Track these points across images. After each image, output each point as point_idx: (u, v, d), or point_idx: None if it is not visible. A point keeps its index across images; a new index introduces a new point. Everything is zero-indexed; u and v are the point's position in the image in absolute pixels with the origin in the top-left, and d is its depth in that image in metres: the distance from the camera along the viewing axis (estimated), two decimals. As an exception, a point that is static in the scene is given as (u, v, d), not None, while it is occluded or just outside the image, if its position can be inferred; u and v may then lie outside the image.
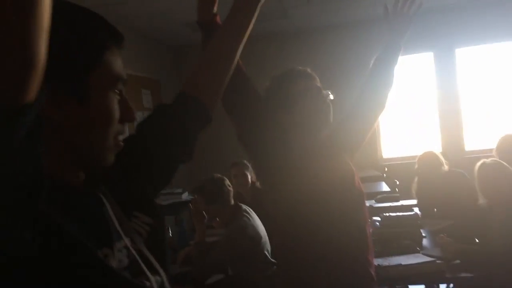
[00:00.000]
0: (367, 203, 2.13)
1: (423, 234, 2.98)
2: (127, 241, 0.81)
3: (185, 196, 4.82)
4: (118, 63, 0.79)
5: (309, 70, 1.67)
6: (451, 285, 3.27)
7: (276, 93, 1.63)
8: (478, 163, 2.74)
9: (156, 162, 0.98)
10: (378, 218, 3.10)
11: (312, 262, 1.55)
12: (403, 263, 2.44)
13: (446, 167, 3.73)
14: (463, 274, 2.38)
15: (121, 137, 0.82)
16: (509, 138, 3.69)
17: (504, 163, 2.65)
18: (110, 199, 0.84)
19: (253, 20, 1.07)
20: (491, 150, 3.93)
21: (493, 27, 5.75)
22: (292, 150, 1.59)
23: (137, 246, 0.83)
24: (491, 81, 6.06)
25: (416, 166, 3.89)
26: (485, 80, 6.06)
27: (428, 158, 3.82)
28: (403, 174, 5.09)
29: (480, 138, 6.06)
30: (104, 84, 0.76)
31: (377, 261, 2.27)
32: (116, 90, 0.79)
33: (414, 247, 2.75)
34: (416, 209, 3.62)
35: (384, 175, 5.62)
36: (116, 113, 0.78)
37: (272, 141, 1.57)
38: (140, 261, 0.81)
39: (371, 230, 1.79)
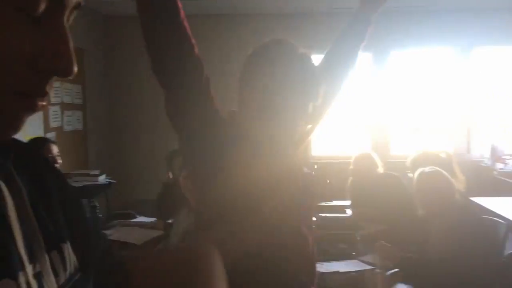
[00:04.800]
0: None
1: (358, 238, 2.83)
2: (29, 270, 0.51)
3: (102, 179, 4.41)
4: None
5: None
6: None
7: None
8: (417, 172, 2.63)
9: None
10: (313, 218, 2.92)
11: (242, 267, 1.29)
12: (340, 270, 2.26)
13: (381, 170, 3.65)
14: (402, 285, 2.24)
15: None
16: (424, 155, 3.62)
17: (443, 172, 2.56)
18: (15, 186, 0.53)
19: None
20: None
21: (426, 32, 5.82)
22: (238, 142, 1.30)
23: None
24: (423, 85, 6.16)
25: (351, 166, 3.77)
26: (417, 84, 6.16)
27: (364, 159, 3.72)
28: (333, 174, 5.00)
29: (406, 143, 6.15)
30: None
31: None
32: (19, 5, 0.46)
33: (349, 252, 2.60)
34: (349, 211, 3.51)
35: (313, 173, 5.51)
36: (13, 42, 0.46)
37: (213, 129, 1.27)
38: None
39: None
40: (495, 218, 2.81)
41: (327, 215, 3.02)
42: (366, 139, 6.14)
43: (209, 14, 5.74)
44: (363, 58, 5.97)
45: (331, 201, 3.73)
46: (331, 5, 5.32)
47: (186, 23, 1.20)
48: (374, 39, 5.23)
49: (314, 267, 1.44)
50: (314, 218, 2.86)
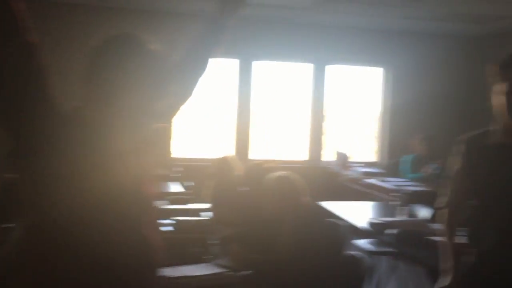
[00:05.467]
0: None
1: (215, 242, 2.85)
2: None
3: None
4: None
5: None
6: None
7: None
8: (267, 176, 2.76)
9: None
10: (169, 221, 2.87)
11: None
12: (193, 274, 2.25)
13: (241, 173, 3.73)
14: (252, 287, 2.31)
15: None
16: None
17: (291, 177, 2.70)
18: None
19: None
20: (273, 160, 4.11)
21: (287, 46, 6.13)
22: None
23: None
24: (283, 96, 6.50)
25: (212, 169, 3.80)
26: (277, 95, 6.49)
27: (224, 162, 3.78)
28: (198, 176, 5.00)
29: (264, 148, 6.45)
30: None
31: (165, 272, 2.03)
32: None
33: (205, 255, 2.60)
34: (209, 214, 3.52)
35: (180, 175, 5.44)
36: None
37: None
38: None
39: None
40: (338, 221, 3.04)
41: (185, 218, 3.00)
42: (229, 143, 6.27)
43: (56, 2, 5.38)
44: (231, 64, 6.13)
45: (190, 204, 3.71)
46: (195, 7, 5.27)
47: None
48: (240, 46, 5.38)
49: (154, 271, 1.39)
50: (167, 221, 2.81)
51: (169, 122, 1.55)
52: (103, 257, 1.22)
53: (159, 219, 1.43)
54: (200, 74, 1.56)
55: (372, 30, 6.26)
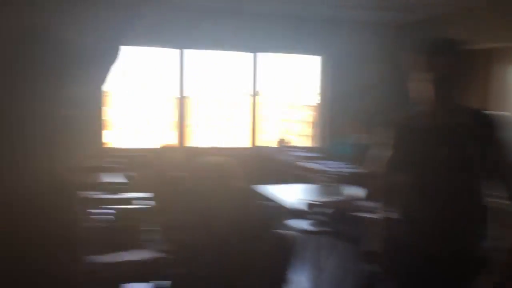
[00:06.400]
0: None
1: (156, 229, 2.91)
2: None
3: None
4: None
5: None
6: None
7: None
8: (199, 161, 2.82)
9: None
10: (109, 211, 2.90)
11: None
12: (126, 259, 2.31)
13: (180, 162, 3.78)
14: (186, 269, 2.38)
15: None
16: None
17: (221, 161, 2.75)
18: None
19: None
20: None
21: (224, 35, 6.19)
22: None
23: None
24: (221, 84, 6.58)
25: (151, 158, 3.83)
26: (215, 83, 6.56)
27: (163, 151, 3.82)
28: (139, 167, 4.98)
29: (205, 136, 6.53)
30: None
31: (100, 258, 2.08)
32: None
33: (142, 242, 2.66)
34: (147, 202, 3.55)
35: (118, 166, 5.39)
36: None
37: None
38: None
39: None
40: (269, 203, 3.16)
41: (124, 206, 3.03)
42: (170, 132, 6.28)
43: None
44: (165, 53, 6.12)
45: (127, 193, 3.73)
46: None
47: None
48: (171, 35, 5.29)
49: (76, 254, 1.44)
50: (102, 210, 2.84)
51: (81, 109, 1.56)
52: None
53: (84, 207, 1.47)
54: (111, 62, 1.58)
55: (308, 19, 6.40)
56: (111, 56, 1.57)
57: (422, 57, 1.83)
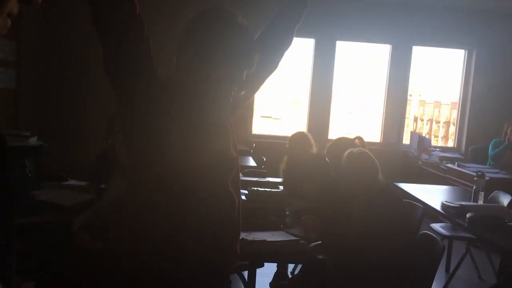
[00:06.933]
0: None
1: (288, 213, 2.95)
2: None
3: (33, 140, 4.26)
4: None
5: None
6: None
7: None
8: (346, 152, 2.78)
9: None
10: (246, 192, 3.00)
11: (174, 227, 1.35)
12: (268, 239, 2.36)
13: (315, 150, 3.78)
14: (320, 256, 2.38)
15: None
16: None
17: (370, 154, 2.71)
18: None
19: None
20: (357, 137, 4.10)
21: (369, 27, 6.04)
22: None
23: None
24: (361, 77, 6.42)
25: (287, 145, 3.87)
26: (358, 74, 6.42)
27: (299, 139, 3.83)
28: (270, 152, 5.13)
29: (342, 128, 6.42)
30: None
31: (241, 235, 2.15)
32: None
33: (278, 224, 2.71)
34: (281, 188, 3.62)
35: (252, 150, 5.62)
36: None
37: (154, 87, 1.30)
38: None
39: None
40: (414, 202, 3.03)
41: (259, 189, 3.11)
42: (305, 120, 6.33)
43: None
44: (308, 43, 6.14)
45: (264, 177, 3.83)
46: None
47: None
48: (318, 26, 5.41)
49: (238, 230, 1.51)
50: (245, 191, 2.94)
51: (255, 92, 1.64)
52: (203, 220, 1.36)
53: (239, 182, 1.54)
54: (285, 47, 1.64)
55: (455, 9, 5.99)
56: (286, 42, 1.63)
57: None
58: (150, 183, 1.36)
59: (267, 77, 1.65)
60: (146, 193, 1.37)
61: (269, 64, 1.63)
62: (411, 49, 6.24)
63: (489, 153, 5.38)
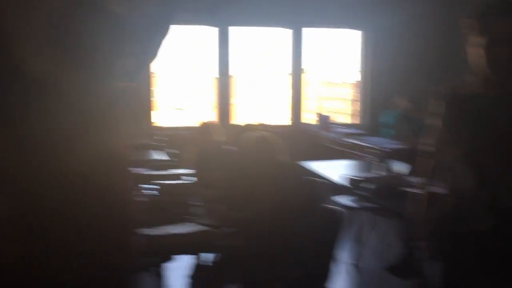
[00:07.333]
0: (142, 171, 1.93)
1: (199, 203, 2.96)
2: None
3: None
4: None
5: None
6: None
7: None
8: (245, 135, 2.83)
9: None
10: (154, 186, 2.97)
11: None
12: (174, 232, 2.35)
13: (223, 139, 3.80)
14: (234, 243, 2.41)
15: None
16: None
17: (268, 136, 2.77)
18: None
19: None
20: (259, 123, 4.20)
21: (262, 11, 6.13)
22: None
23: None
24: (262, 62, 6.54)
25: (194, 135, 3.87)
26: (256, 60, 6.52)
27: (206, 128, 3.85)
28: (182, 145, 5.07)
29: (252, 114, 6.51)
30: None
31: (147, 231, 2.13)
32: None
33: (191, 216, 2.71)
34: (193, 178, 3.60)
35: (164, 144, 5.50)
36: None
37: None
38: None
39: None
40: (315, 178, 3.13)
41: (169, 182, 3.09)
42: (211, 109, 6.33)
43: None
44: (208, 31, 6.12)
45: (174, 170, 3.80)
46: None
47: None
48: (217, 12, 5.33)
49: (129, 228, 1.47)
50: (148, 186, 2.90)
51: (133, 82, 1.57)
52: (78, 225, 1.29)
53: (136, 183, 1.49)
54: (162, 36, 1.59)
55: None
56: (163, 31, 1.57)
57: (481, 22, 1.71)
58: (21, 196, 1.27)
59: (145, 66, 1.59)
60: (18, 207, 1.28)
61: (146, 52, 1.57)
62: (300, 31, 6.41)
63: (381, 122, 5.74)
